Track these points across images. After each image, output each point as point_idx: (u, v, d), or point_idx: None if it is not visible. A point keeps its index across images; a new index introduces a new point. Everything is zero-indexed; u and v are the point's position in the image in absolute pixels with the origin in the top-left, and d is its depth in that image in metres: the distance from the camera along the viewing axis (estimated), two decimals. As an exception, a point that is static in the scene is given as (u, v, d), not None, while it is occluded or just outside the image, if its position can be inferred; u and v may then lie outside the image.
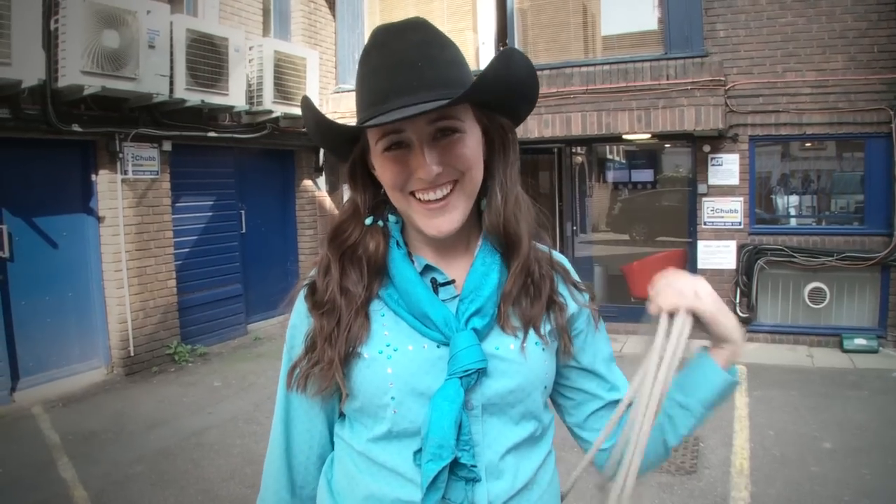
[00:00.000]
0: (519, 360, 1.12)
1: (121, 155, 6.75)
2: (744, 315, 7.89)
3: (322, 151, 9.63)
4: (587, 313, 1.23)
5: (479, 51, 9.00)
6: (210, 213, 8.21)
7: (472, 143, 1.10)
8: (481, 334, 1.10)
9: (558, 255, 1.26)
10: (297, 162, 9.64)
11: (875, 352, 7.35)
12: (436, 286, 1.14)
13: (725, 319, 1.12)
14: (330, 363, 1.10)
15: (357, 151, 1.17)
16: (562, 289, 1.20)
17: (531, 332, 1.13)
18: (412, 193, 1.09)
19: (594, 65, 8.02)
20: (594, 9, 8.77)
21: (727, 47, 7.74)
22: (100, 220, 6.82)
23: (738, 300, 7.88)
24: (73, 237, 6.73)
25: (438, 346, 1.10)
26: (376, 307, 1.15)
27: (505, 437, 1.12)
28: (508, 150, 1.17)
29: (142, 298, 7.09)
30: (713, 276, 7.97)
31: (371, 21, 9.52)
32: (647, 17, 8.28)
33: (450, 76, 1.06)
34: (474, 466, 1.06)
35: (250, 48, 7.90)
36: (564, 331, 1.17)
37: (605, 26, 8.75)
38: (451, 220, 1.09)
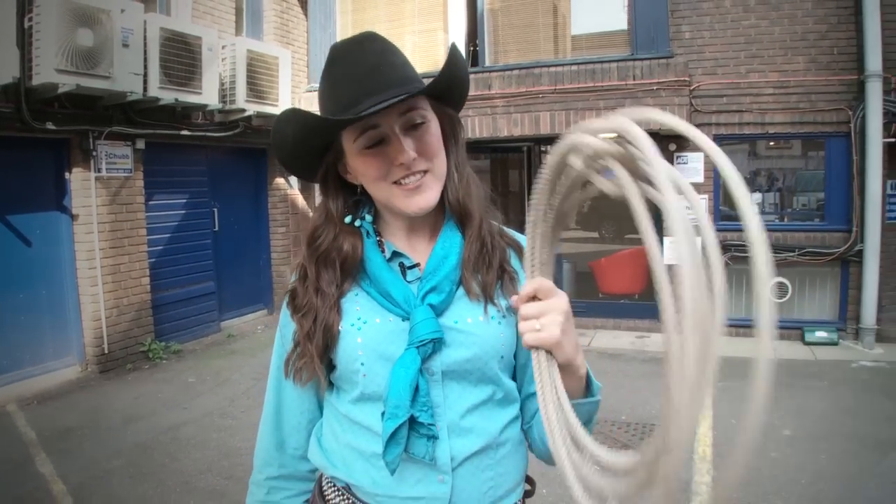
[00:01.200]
0: (475, 332, 1.24)
1: (94, 153, 6.77)
2: (709, 309, 8.10)
3: (295, 150, 9.69)
4: None
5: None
6: (183, 211, 8.25)
7: (435, 131, 1.25)
8: (438, 309, 1.23)
9: (516, 234, 1.38)
10: (269, 160, 9.67)
11: (835, 344, 7.60)
12: (404, 269, 1.28)
13: (563, 349, 1.10)
14: (311, 358, 1.24)
15: (329, 160, 1.29)
16: (514, 263, 1.33)
17: (490, 306, 1.26)
18: (394, 183, 1.22)
19: (563, 65, 8.19)
20: (564, 9, 8.94)
21: (692, 48, 7.94)
22: (73, 218, 6.83)
23: (703, 295, 8.09)
24: (47, 235, 6.74)
25: (403, 320, 1.24)
26: (354, 292, 1.28)
27: (464, 399, 1.25)
28: (458, 136, 1.33)
29: (116, 296, 7.11)
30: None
31: (343, 20, 9.60)
32: (615, 18, 8.45)
33: (406, 75, 1.21)
34: (432, 425, 1.18)
35: (223, 47, 7.95)
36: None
37: (574, 27, 8.92)
38: (427, 198, 1.23)
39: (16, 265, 6.48)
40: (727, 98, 7.88)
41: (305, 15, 9.87)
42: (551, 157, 1.02)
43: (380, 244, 1.30)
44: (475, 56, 9.03)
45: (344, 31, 9.66)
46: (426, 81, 1.22)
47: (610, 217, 9.60)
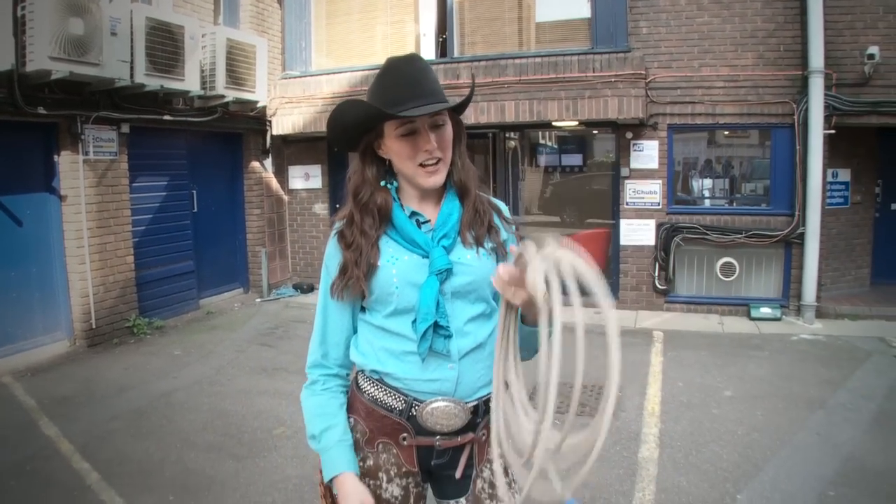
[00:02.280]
0: (473, 264, 1.77)
1: (82, 137, 7.08)
2: (662, 287, 8.68)
3: (269, 134, 10.05)
4: (512, 237, 1.89)
5: (419, 40, 9.51)
6: (164, 193, 8.58)
7: (450, 132, 1.78)
8: (448, 249, 1.76)
9: (496, 201, 1.95)
10: (245, 144, 10.03)
11: (778, 319, 8.22)
12: (419, 224, 1.80)
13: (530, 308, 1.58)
14: (357, 279, 1.74)
15: (370, 138, 1.80)
16: (497, 221, 1.88)
17: (481, 249, 1.80)
18: (420, 165, 1.74)
19: (527, 57, 8.66)
20: (528, 0, 9.37)
21: (649, 43, 8.46)
22: (62, 198, 7.14)
23: (656, 273, 8.67)
24: (37, 215, 7.04)
25: (423, 258, 1.75)
26: (384, 239, 1.80)
27: (465, 312, 1.78)
28: (462, 136, 1.86)
29: (102, 274, 7.44)
30: (635, 252, 8.75)
31: (317, 10, 9.95)
32: (578, 7, 8.93)
33: (437, 89, 1.73)
34: (448, 327, 1.72)
35: (203, 35, 8.26)
36: (501, 246, 1.84)
37: (538, 15, 9.34)
38: (439, 177, 1.76)
39: (7, 244, 6.77)
40: (681, 90, 8.42)
41: (280, 4, 10.19)
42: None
43: (401, 206, 1.82)
44: (444, 47, 9.45)
45: (318, 20, 10.01)
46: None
47: (571, 201, 10.11)
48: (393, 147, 1.75)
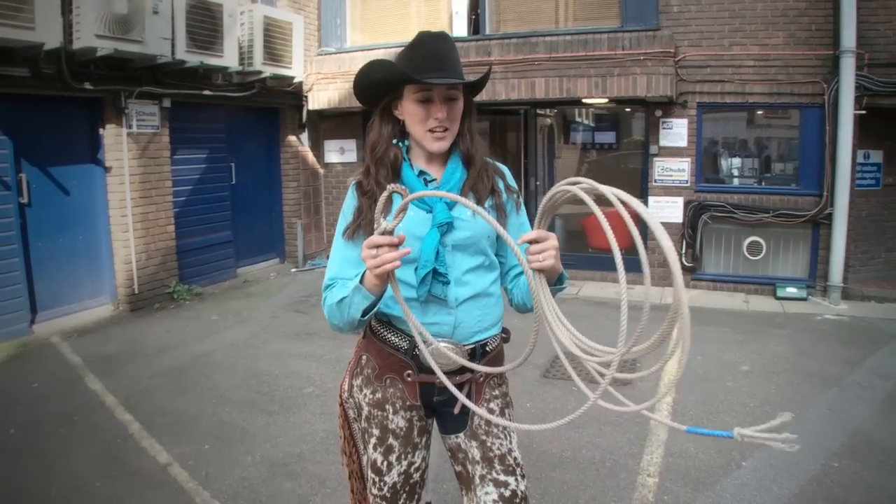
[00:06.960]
0: (472, 221, 1.97)
1: (126, 111, 7.38)
2: (689, 265, 8.78)
3: (305, 109, 10.28)
4: (512, 201, 2.10)
5: (452, 18, 9.65)
6: (204, 166, 8.88)
7: (461, 107, 2.00)
8: (449, 205, 1.95)
9: (501, 166, 2.16)
10: (282, 119, 10.29)
11: (804, 300, 8.26)
12: (426, 182, 2.01)
13: (553, 271, 1.78)
14: (370, 223, 1.93)
15: (389, 98, 2.00)
16: (500, 184, 2.09)
17: (480, 206, 1.94)
18: (429, 130, 1.95)
19: (558, 35, 8.77)
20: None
21: (680, 21, 8.49)
22: (107, 170, 7.48)
23: (683, 251, 8.77)
24: (83, 185, 7.39)
25: (427, 212, 1.95)
26: (395, 195, 1.97)
27: (465, 263, 1.98)
28: (472, 112, 2.08)
29: (144, 242, 7.78)
30: (662, 229, 8.84)
31: (353, -13, 10.15)
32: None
33: (458, 68, 1.94)
34: (446, 274, 1.92)
35: (241, 13, 8.48)
36: (501, 208, 2.04)
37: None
38: (444, 143, 1.98)
39: (56, 212, 7.13)
40: (710, 69, 8.46)
41: (317, -19, 10.39)
42: (555, 188, 1.68)
43: (410, 165, 2.03)
44: (476, 24, 9.57)
45: (353, -2, 10.22)
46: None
47: (603, 179, 10.14)
48: (409, 109, 1.96)
